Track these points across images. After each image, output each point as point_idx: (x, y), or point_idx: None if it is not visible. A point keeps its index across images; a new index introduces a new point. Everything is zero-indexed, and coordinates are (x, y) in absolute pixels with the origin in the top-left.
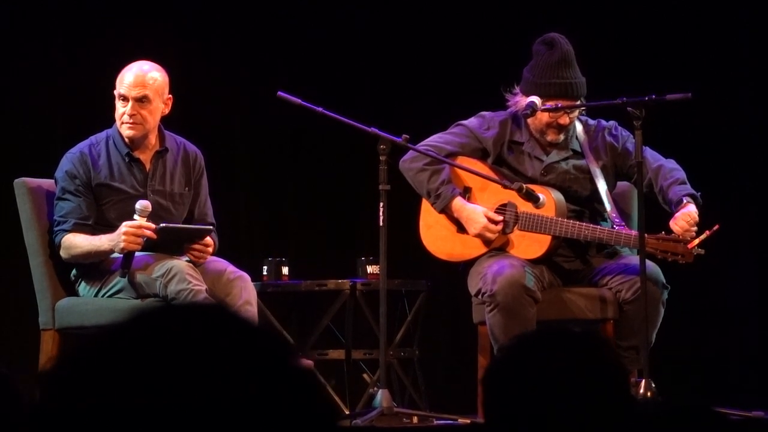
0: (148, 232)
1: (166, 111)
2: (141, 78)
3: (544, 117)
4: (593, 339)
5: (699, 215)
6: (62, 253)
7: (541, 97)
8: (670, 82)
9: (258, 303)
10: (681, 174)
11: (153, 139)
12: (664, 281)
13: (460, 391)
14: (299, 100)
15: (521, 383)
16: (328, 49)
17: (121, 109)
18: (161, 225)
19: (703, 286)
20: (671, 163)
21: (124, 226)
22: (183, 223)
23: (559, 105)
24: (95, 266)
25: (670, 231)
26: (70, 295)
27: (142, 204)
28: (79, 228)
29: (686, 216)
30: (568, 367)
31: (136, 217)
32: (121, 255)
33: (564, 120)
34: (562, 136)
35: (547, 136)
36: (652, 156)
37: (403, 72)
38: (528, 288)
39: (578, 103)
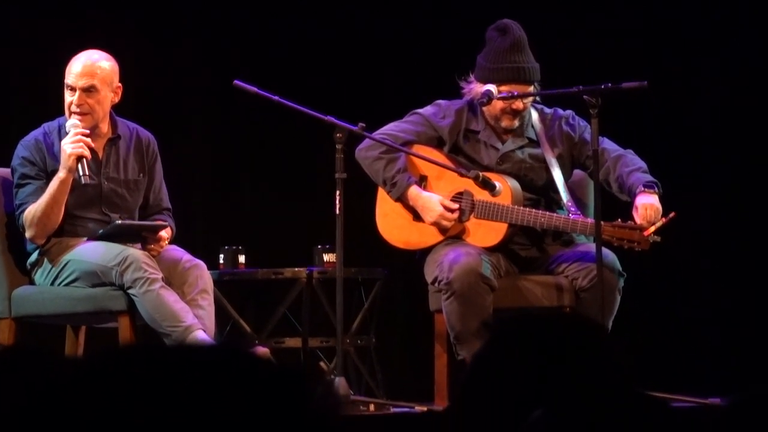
0: (86, 139)
1: (116, 99)
2: (88, 68)
3: (498, 103)
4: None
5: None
6: (28, 230)
7: (494, 82)
8: (626, 71)
9: (214, 291)
10: (642, 163)
11: (105, 127)
12: (621, 269)
13: (417, 378)
14: (255, 89)
15: (512, 370)
16: (285, 38)
17: (69, 99)
18: (116, 222)
19: (659, 274)
20: (632, 154)
21: (63, 144)
22: (139, 210)
23: (515, 93)
24: (51, 254)
25: (627, 219)
26: (26, 284)
27: (70, 122)
28: None
29: (650, 207)
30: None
31: (69, 131)
32: (83, 182)
33: (518, 105)
34: (516, 122)
35: (502, 122)
36: (611, 146)
37: (359, 60)
38: (484, 276)
39: (532, 90)
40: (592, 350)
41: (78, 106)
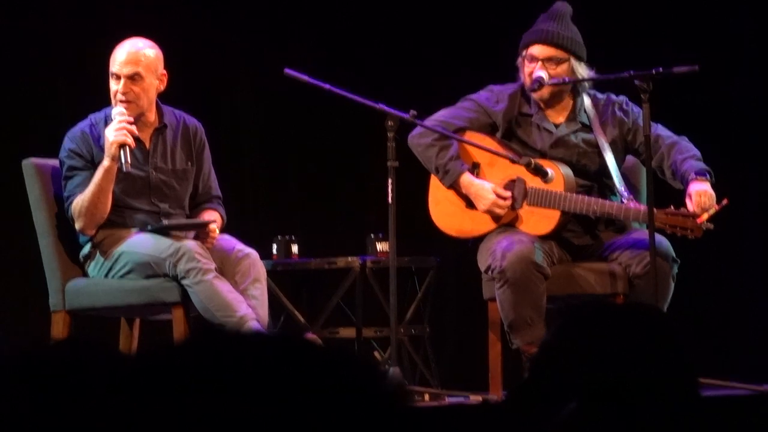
0: (130, 127)
1: (162, 87)
2: (132, 56)
3: (525, 71)
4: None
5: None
6: (77, 222)
7: (523, 48)
8: (676, 55)
9: (268, 281)
10: (696, 151)
11: (151, 116)
12: (674, 255)
13: (471, 367)
14: (306, 77)
15: (582, 359)
16: (335, 25)
17: (114, 88)
18: (163, 223)
19: (713, 260)
20: (686, 141)
21: (106, 132)
22: (189, 198)
23: (566, 80)
24: (103, 246)
25: (680, 205)
26: (79, 276)
27: (115, 110)
28: None
29: (704, 194)
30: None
31: (114, 119)
32: (125, 169)
33: (535, 68)
34: (546, 94)
35: (534, 94)
36: (665, 132)
37: (410, 47)
38: (537, 264)
39: (558, 54)
40: (659, 341)
41: (123, 93)
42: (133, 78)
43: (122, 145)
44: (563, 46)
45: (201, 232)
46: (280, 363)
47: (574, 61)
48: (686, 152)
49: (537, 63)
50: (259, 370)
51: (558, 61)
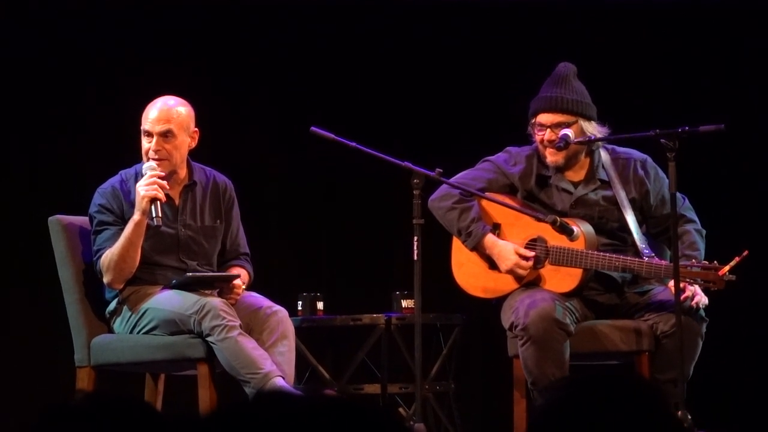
0: (161, 182)
1: (193, 144)
2: (165, 113)
3: (536, 137)
4: (642, 384)
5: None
6: (105, 275)
7: (532, 116)
8: (700, 114)
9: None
10: (701, 250)
11: (182, 173)
12: (703, 314)
13: (496, 424)
14: (332, 135)
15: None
16: (361, 84)
17: (147, 145)
18: (187, 275)
19: (742, 318)
20: (699, 236)
21: (137, 186)
22: (217, 255)
23: (592, 137)
24: (129, 303)
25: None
26: (105, 332)
27: (146, 165)
28: None
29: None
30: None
31: (146, 173)
32: (155, 223)
33: (544, 136)
34: (561, 159)
35: (546, 158)
36: (688, 215)
37: (436, 106)
38: (560, 321)
39: (565, 119)
40: (646, 414)
41: (156, 152)
42: (166, 135)
43: (153, 200)
44: (569, 110)
45: (225, 288)
46: (308, 423)
47: (582, 122)
48: (690, 247)
49: (546, 130)
50: None
51: (566, 126)
